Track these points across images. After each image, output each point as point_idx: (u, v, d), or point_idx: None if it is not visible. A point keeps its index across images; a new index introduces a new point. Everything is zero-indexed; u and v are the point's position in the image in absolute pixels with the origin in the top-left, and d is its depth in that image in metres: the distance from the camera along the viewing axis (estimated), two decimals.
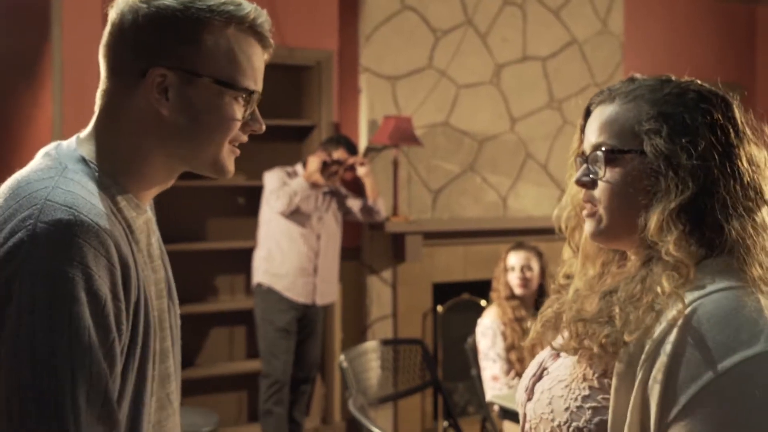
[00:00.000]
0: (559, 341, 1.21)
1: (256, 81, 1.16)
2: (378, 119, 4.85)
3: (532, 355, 1.37)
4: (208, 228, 4.87)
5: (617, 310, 1.10)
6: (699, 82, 1.19)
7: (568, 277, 1.33)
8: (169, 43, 1.11)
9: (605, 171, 1.16)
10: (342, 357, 3.63)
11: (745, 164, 1.13)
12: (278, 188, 4.25)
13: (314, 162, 4.29)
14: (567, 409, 1.12)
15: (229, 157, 1.18)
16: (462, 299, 5.21)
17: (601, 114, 1.20)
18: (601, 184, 1.17)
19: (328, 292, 4.51)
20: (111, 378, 1.01)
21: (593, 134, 1.20)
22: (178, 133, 1.13)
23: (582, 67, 5.57)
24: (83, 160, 1.11)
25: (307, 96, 5.00)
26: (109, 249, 1.02)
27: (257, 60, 1.16)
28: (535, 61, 5.41)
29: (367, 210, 4.57)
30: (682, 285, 1.07)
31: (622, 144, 1.16)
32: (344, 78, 4.98)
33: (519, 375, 3.57)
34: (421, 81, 5.03)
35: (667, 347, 1.03)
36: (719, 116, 1.13)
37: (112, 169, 1.13)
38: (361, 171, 4.51)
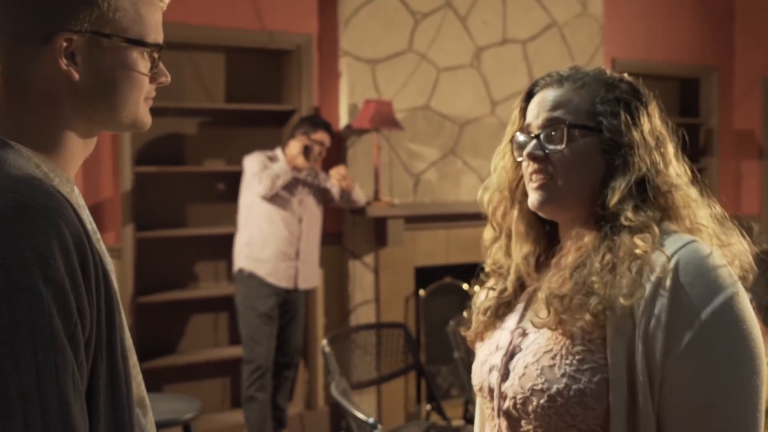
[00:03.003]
0: (530, 319, 1.28)
1: (159, 34, 1.15)
2: (358, 103, 4.83)
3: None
4: (188, 214, 4.84)
5: (595, 279, 1.21)
6: (627, 75, 1.35)
7: (500, 266, 1.40)
8: (70, 4, 1.07)
9: (566, 144, 1.27)
10: (324, 342, 3.63)
11: (671, 149, 1.31)
12: (260, 171, 4.24)
13: (296, 146, 4.28)
14: (564, 375, 1.19)
15: (145, 112, 1.16)
16: (444, 283, 5.22)
17: (549, 95, 1.31)
18: (558, 157, 1.28)
19: (310, 276, 4.50)
20: (77, 363, 0.97)
21: (544, 111, 1.30)
22: (94, 98, 1.10)
23: (562, 50, 5.57)
24: (4, 142, 1.06)
25: (287, 80, 4.97)
26: (60, 230, 0.97)
27: (157, 12, 1.15)
28: (515, 44, 5.41)
29: (345, 197, 4.56)
30: (655, 243, 1.20)
31: (579, 121, 1.28)
32: (324, 62, 4.95)
33: None
34: (402, 64, 5.02)
35: (663, 296, 1.16)
36: (654, 109, 1.32)
37: (35, 147, 1.08)
38: (338, 180, 4.51)
